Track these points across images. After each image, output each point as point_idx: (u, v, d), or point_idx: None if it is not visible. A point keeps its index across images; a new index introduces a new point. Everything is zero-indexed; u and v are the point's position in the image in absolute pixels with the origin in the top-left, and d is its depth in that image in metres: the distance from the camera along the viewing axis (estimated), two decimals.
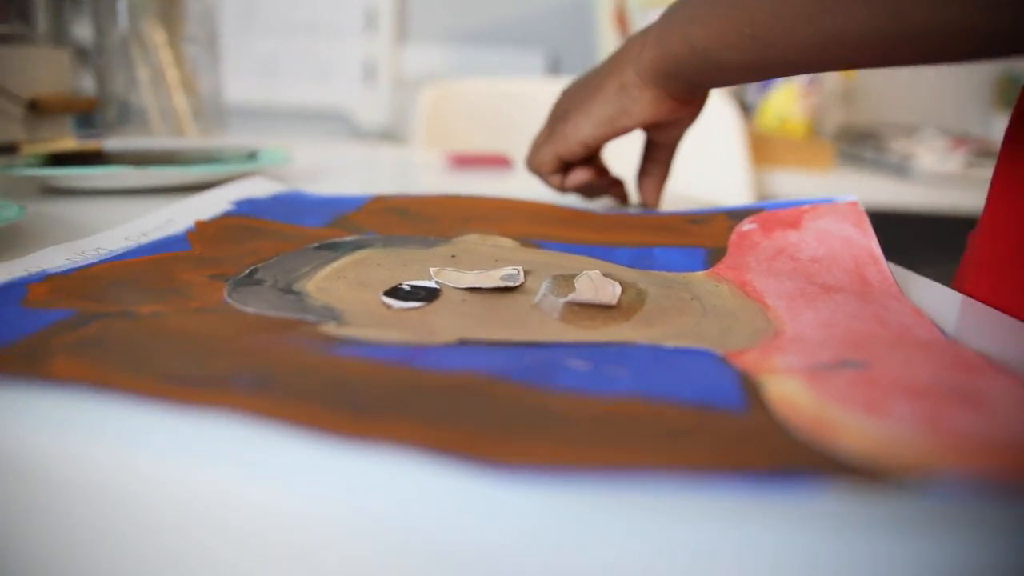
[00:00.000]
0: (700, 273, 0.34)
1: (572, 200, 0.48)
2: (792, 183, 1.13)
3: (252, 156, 0.60)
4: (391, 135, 1.52)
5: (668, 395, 0.20)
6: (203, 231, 0.38)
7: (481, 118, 1.10)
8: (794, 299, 0.30)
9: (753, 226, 0.39)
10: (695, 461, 0.16)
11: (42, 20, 0.64)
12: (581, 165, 0.49)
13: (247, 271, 0.32)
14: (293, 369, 0.21)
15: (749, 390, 0.21)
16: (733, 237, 0.38)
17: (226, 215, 0.41)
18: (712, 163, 1.06)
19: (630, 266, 0.35)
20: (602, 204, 0.52)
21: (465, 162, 0.71)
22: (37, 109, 0.62)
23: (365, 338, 0.24)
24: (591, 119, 0.45)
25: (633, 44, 0.44)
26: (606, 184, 0.51)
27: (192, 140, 0.79)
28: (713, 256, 0.37)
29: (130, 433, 0.17)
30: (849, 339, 0.25)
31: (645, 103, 0.44)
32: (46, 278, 0.29)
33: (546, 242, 0.38)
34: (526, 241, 0.38)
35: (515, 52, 1.51)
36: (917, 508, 0.15)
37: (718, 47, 0.37)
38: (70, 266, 0.31)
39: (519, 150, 0.76)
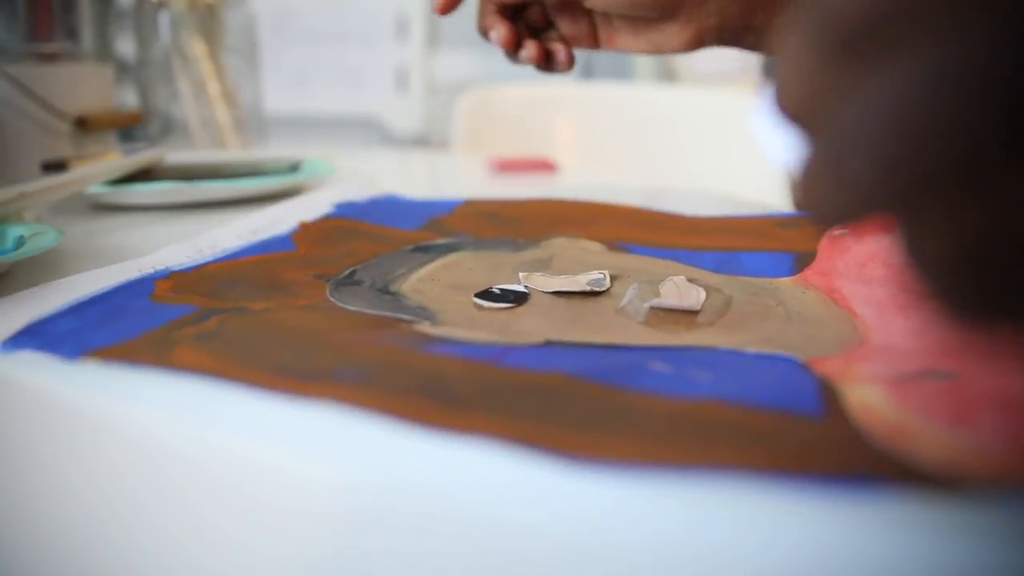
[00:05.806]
0: (787, 279, 0.34)
1: (660, 203, 0.48)
2: None
3: (295, 167, 0.59)
4: (423, 141, 1.52)
5: (746, 399, 0.21)
6: (307, 232, 0.40)
7: (517, 124, 1.09)
8: (884, 307, 0.30)
9: (845, 230, 0.38)
10: (770, 463, 0.17)
11: (87, 37, 0.65)
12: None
13: (347, 271, 0.34)
14: (391, 364, 0.23)
15: (828, 396, 0.21)
16: (824, 241, 0.38)
17: (327, 217, 0.43)
18: (763, 164, 1.02)
19: (716, 271, 0.35)
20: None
21: (509, 167, 0.71)
22: (84, 126, 0.62)
23: (457, 337, 0.26)
24: None
25: None
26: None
27: (234, 152, 0.79)
28: (801, 261, 0.36)
29: (248, 420, 0.19)
30: (940, 349, 0.25)
31: None
32: (170, 275, 0.32)
33: (633, 246, 0.39)
34: (613, 245, 0.39)
35: None
36: (992, 519, 0.15)
37: None
38: (190, 263, 0.34)
39: (555, 155, 0.77)
